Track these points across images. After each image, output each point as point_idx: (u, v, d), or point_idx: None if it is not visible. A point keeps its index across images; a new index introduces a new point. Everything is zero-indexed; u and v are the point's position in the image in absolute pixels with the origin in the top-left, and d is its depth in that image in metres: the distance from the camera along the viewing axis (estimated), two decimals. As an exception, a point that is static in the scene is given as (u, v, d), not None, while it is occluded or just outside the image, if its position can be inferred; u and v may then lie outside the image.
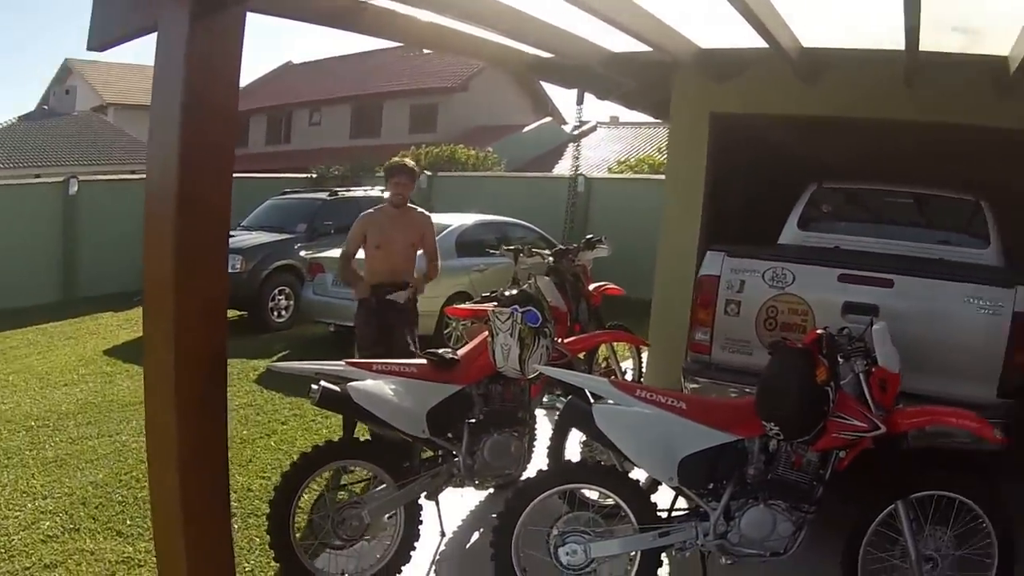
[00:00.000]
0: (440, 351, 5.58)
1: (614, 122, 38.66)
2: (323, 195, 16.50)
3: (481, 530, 5.85)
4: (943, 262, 6.85)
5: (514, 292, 5.58)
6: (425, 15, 6.76)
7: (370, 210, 7.66)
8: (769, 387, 4.59)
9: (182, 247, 3.66)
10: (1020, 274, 6.12)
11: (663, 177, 10.10)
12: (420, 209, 7.78)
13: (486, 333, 5.61)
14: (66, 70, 42.64)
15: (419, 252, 7.56)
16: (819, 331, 4.69)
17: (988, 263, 7.07)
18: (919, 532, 4.66)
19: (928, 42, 6.46)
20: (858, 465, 4.70)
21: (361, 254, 7.49)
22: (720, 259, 6.31)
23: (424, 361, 5.52)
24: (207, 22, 3.57)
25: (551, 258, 8.74)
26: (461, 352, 5.74)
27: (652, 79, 9.26)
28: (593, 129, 37.88)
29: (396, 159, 7.74)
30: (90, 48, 4.38)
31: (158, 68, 3.77)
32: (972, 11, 6.20)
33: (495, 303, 5.57)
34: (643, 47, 7.62)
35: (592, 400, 4.96)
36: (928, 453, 5.16)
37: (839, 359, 4.69)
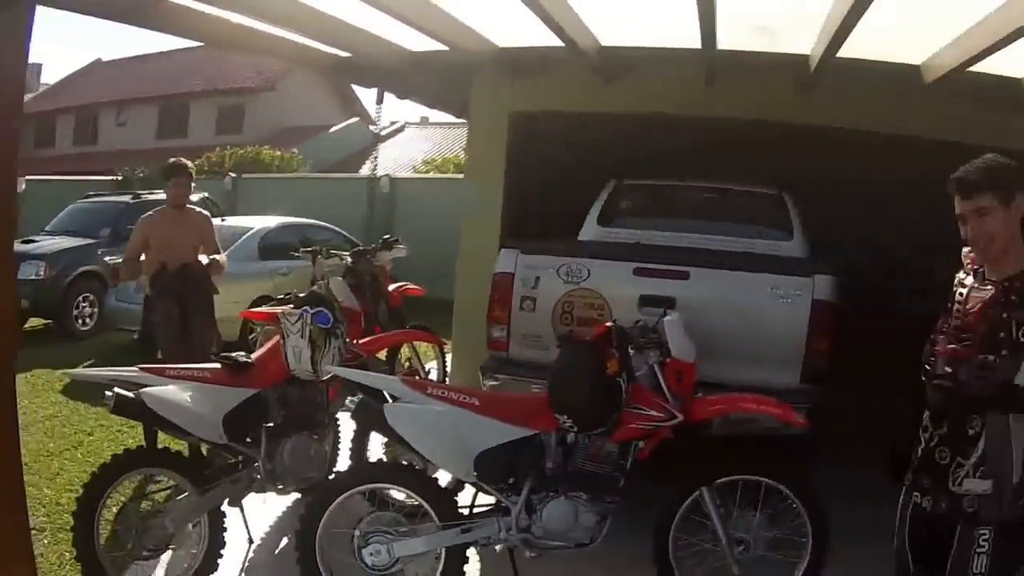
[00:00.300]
0: (233, 355, 5.43)
1: (424, 122, 38.63)
2: (126, 198, 15.91)
3: (289, 535, 5.71)
4: (744, 254, 6.99)
5: (304, 294, 5.48)
6: (220, 12, 6.59)
7: (150, 213, 7.48)
8: (559, 380, 4.61)
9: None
10: (819, 263, 6.32)
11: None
12: (199, 209, 7.72)
13: (279, 336, 5.48)
14: None
15: (202, 256, 7.42)
16: (608, 324, 4.73)
17: (792, 254, 7.22)
18: (728, 516, 4.76)
19: (727, 41, 6.64)
20: (667, 453, 4.75)
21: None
22: (514, 256, 6.31)
23: (218, 365, 5.35)
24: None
25: (349, 259, 8.64)
26: (255, 356, 5.60)
27: (452, 78, 9.26)
28: (401, 129, 37.79)
29: (173, 159, 7.55)
30: None
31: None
32: (772, 12, 6.40)
33: (291, 305, 5.45)
34: (442, 46, 7.60)
35: (390, 400, 4.88)
36: (736, 440, 5.28)
37: (630, 351, 4.74)
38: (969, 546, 3.44)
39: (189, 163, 7.55)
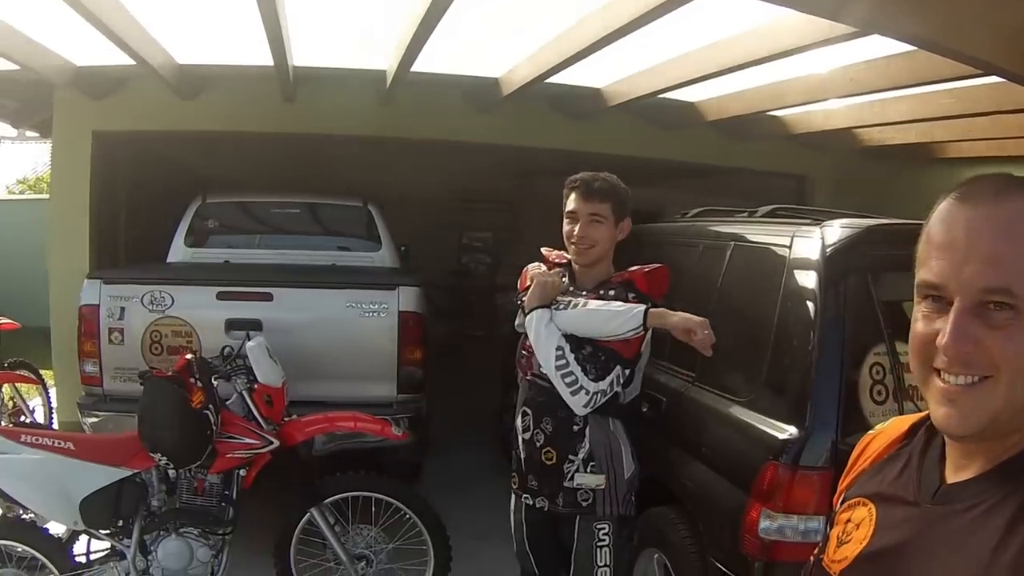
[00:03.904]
0: None
1: (21, 136, 36.02)
2: None
3: None
4: (331, 269, 7.12)
5: None
6: None
7: None
8: (146, 418, 4.50)
9: None
10: (403, 274, 6.50)
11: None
12: None
13: None
14: None
15: None
16: (188, 356, 4.70)
17: (382, 264, 7.44)
18: (344, 533, 4.86)
19: (304, 58, 6.69)
20: (279, 477, 4.80)
21: None
22: (98, 287, 6.07)
23: None
24: None
25: (-70, 301, 8.04)
26: None
27: (32, 98, 8.79)
28: (-4, 144, 35.15)
29: None
30: None
31: None
32: (347, 28, 6.52)
33: None
34: (14, 65, 7.20)
35: None
36: (344, 457, 5.41)
37: (215, 380, 4.72)
38: (590, 538, 3.67)
39: None
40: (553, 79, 6.76)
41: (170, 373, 4.59)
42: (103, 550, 4.76)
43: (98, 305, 6.02)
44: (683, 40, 6.08)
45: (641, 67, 6.98)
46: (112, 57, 6.85)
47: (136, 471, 4.63)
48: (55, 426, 8.29)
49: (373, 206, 7.83)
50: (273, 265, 7.19)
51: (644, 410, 4.09)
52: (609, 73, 7.39)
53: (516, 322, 3.88)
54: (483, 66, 7.46)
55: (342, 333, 6.04)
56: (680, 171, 10.24)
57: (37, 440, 4.58)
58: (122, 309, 5.99)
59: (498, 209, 15.02)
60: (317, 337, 5.99)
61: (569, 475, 3.66)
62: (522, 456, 3.85)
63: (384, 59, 7.07)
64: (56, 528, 4.88)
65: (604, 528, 3.68)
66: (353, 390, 5.92)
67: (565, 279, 3.82)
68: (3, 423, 7.35)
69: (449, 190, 13.27)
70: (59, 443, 4.58)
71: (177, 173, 9.23)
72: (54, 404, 8.83)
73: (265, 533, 4.92)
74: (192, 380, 4.51)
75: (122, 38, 5.96)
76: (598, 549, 3.68)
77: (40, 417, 8.59)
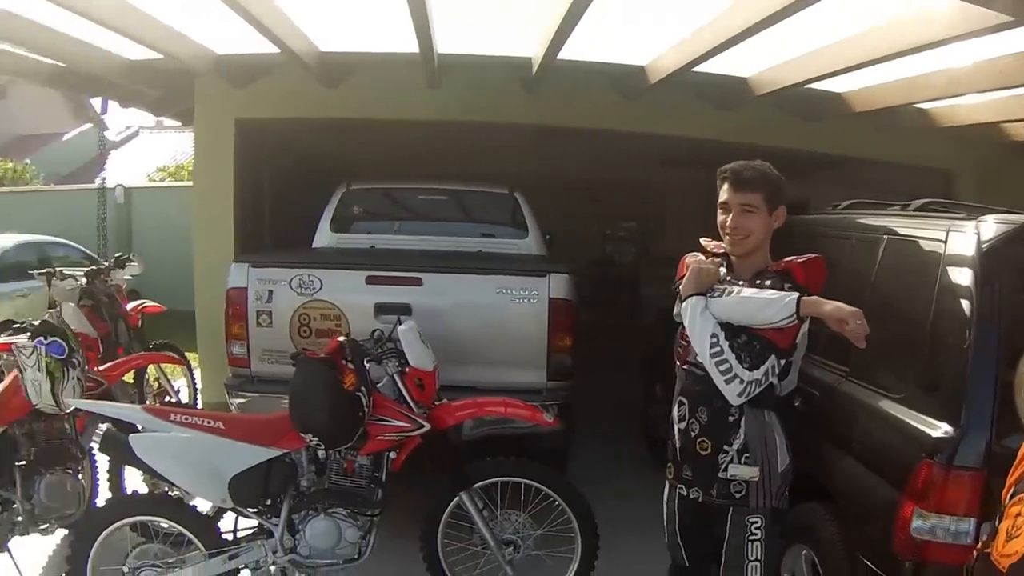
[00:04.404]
0: None
1: (159, 126, 36.96)
2: None
3: (63, 574, 5.46)
4: (479, 255, 7.10)
5: (36, 323, 5.16)
6: None
7: None
8: (298, 400, 4.54)
9: None
10: (553, 262, 6.48)
11: (194, 184, 9.90)
12: None
13: (16, 370, 5.19)
14: None
15: None
16: (340, 338, 4.70)
17: (528, 252, 7.42)
18: (492, 518, 4.86)
19: (447, 45, 6.73)
20: (427, 460, 4.79)
21: None
22: (245, 270, 6.15)
23: None
24: None
25: (84, 280, 8.27)
26: (-7, 392, 5.29)
27: (174, 86, 9.06)
28: (135, 134, 36.09)
29: None
30: None
31: None
32: (491, 15, 6.53)
33: (27, 335, 5.15)
34: (157, 55, 7.40)
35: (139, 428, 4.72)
36: (492, 442, 5.32)
37: (367, 363, 4.73)
38: (742, 532, 3.60)
39: None
40: (699, 68, 6.69)
41: (322, 355, 4.60)
42: (250, 528, 4.82)
43: (246, 288, 6.10)
44: (830, 28, 5.96)
45: (788, 56, 6.88)
46: (253, 45, 7.03)
47: (286, 451, 4.66)
48: (199, 406, 8.51)
49: (519, 193, 7.79)
50: (420, 251, 7.20)
51: (796, 404, 4.00)
52: (755, 62, 7.31)
53: (674, 311, 3.82)
54: (629, 53, 7.42)
55: (491, 319, 6.01)
56: (820, 163, 10.02)
57: (187, 419, 4.63)
58: (270, 292, 6.05)
59: (642, 198, 14.89)
60: (466, 322, 5.96)
61: (723, 466, 3.59)
62: (677, 446, 3.79)
63: (530, 46, 7.07)
64: (202, 505, 4.98)
65: (756, 522, 3.61)
66: (500, 376, 5.88)
67: (723, 269, 3.75)
68: (148, 403, 7.47)
69: (592, 178, 13.20)
70: (209, 422, 4.62)
71: (318, 160, 9.35)
72: (198, 385, 9.13)
73: (408, 515, 4.92)
74: (344, 362, 4.52)
75: (267, 26, 6.09)
76: (749, 543, 3.61)
77: (184, 397, 8.87)
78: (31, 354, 4.99)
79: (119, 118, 35.77)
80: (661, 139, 9.17)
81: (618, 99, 8.35)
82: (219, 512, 5.03)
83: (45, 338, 5.00)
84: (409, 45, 6.62)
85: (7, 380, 5.38)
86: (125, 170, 22.73)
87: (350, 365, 4.53)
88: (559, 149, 10.58)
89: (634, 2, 6.00)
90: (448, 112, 8.34)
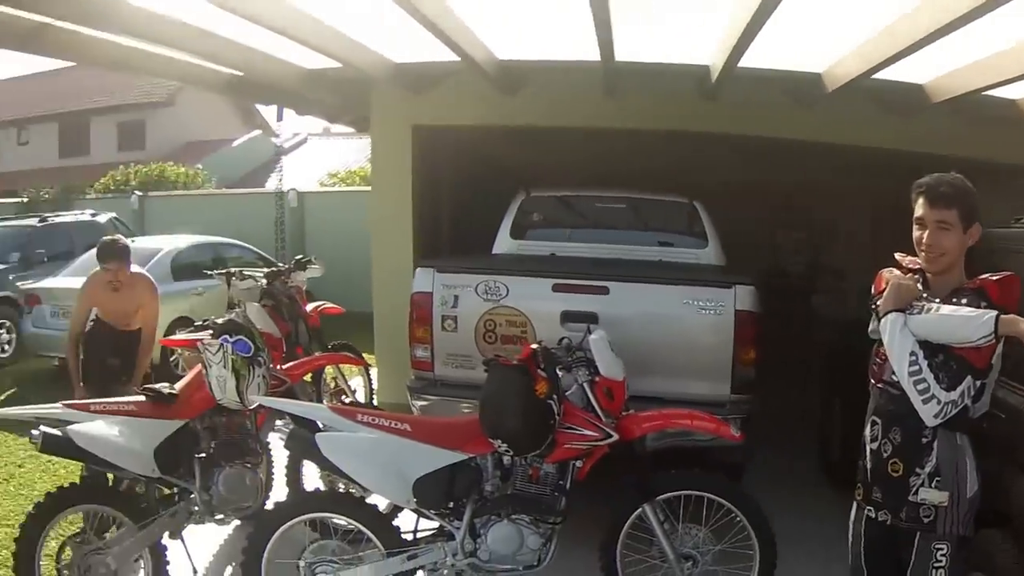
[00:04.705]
0: (157, 386, 5.31)
1: (326, 132, 37.84)
2: (34, 222, 15.46)
3: (232, 565, 5.64)
4: (661, 264, 7.05)
5: (222, 321, 5.33)
6: (110, 36, 6.63)
7: (93, 277, 6.90)
8: (490, 405, 4.59)
9: None
10: (737, 273, 6.35)
11: (372, 189, 10.09)
12: (144, 273, 7.23)
13: (201, 365, 5.38)
14: None
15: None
16: (533, 346, 4.72)
17: (708, 262, 7.33)
18: (673, 531, 4.81)
19: (625, 53, 6.71)
20: (608, 470, 4.77)
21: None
22: (431, 275, 6.22)
23: (143, 398, 5.25)
24: None
25: (264, 281, 8.53)
26: (178, 386, 5.47)
27: (350, 94, 9.27)
28: (304, 141, 37.04)
29: (107, 238, 6.90)
30: None
31: None
32: (669, 25, 6.50)
33: (210, 332, 5.34)
34: (335, 63, 7.57)
35: (321, 427, 4.82)
36: (675, 454, 5.26)
37: (558, 371, 4.72)
38: (927, 559, 3.49)
39: (125, 240, 6.98)
40: (876, 75, 6.53)
41: (515, 361, 4.62)
42: (430, 529, 4.87)
43: (431, 292, 6.17)
44: (1012, 31, 5.71)
45: (965, 61, 6.63)
46: (431, 54, 7.13)
47: (472, 455, 4.70)
48: (375, 406, 8.68)
49: (699, 203, 7.68)
50: (600, 259, 7.14)
51: (984, 426, 3.86)
52: (931, 68, 7.05)
53: (870, 328, 3.73)
54: (805, 59, 7.27)
55: (677, 329, 5.95)
56: (1001, 173, 9.64)
57: (373, 420, 4.71)
58: (456, 297, 6.12)
59: (813, 208, 14.61)
60: (651, 332, 5.92)
61: (914, 489, 3.49)
62: (868, 466, 3.70)
63: (707, 54, 7.02)
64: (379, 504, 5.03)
65: (943, 548, 3.48)
66: (683, 387, 5.83)
67: (920, 285, 3.65)
68: (326, 402, 7.62)
69: (763, 187, 12.97)
70: (396, 424, 4.69)
71: (494, 166, 9.44)
72: (375, 385, 9.29)
73: (586, 524, 4.88)
74: (538, 369, 4.53)
75: (449, 36, 6.18)
76: (934, 570, 3.49)
77: (361, 397, 9.00)
78: (217, 351, 5.15)
79: (288, 125, 36.70)
80: (834, 148, 8.94)
81: (794, 106, 8.21)
82: (394, 512, 5.12)
83: (231, 336, 5.16)
84: (588, 53, 6.63)
85: (190, 375, 5.60)
86: (296, 175, 23.34)
87: (543, 373, 4.54)
88: (730, 158, 10.49)
89: (811, 6, 5.85)
90: (623, 120, 8.31)
